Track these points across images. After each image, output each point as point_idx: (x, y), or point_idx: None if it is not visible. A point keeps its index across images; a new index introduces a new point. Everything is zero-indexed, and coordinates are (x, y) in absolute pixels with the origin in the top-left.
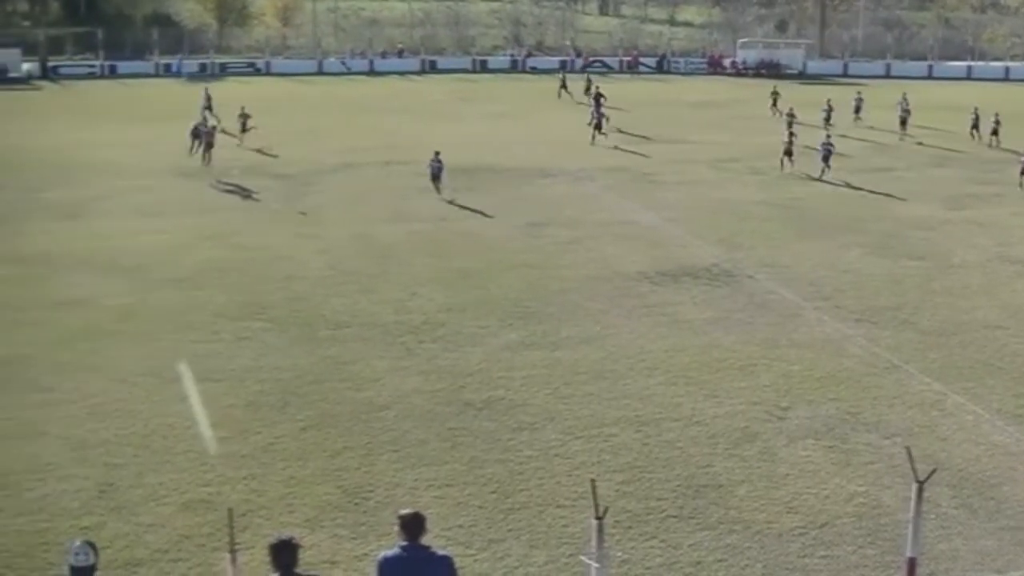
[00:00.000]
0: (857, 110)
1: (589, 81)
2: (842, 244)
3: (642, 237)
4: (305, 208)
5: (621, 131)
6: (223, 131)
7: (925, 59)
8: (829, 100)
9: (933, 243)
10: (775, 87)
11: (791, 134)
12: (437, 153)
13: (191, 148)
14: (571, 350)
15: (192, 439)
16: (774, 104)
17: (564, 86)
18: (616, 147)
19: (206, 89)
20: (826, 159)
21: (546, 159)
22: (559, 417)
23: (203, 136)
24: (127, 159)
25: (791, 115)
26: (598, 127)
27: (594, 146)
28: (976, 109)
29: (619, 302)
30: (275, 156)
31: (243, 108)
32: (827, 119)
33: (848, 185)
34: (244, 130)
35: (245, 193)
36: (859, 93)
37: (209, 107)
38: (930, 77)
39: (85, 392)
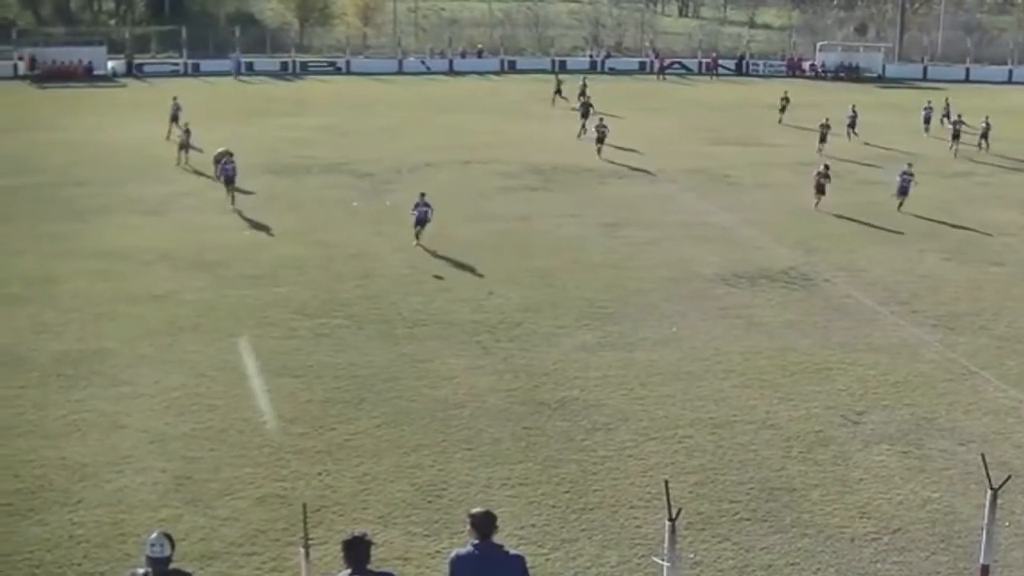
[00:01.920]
0: (927, 120)
1: (585, 85)
2: (919, 249)
3: (719, 239)
4: (385, 206)
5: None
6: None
7: (1005, 63)
8: (929, 101)
9: (1013, 249)
10: (826, 120)
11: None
12: None
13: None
14: (647, 351)
15: (267, 434)
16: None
17: (559, 91)
18: (611, 161)
19: (175, 99)
20: (904, 191)
21: (625, 159)
22: (634, 418)
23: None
24: (209, 156)
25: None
26: (599, 140)
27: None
28: None
29: (695, 304)
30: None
31: (186, 124)
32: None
33: (928, 189)
34: (185, 147)
35: (325, 191)
36: (929, 103)
37: (175, 117)
38: (1010, 82)
39: (164, 386)
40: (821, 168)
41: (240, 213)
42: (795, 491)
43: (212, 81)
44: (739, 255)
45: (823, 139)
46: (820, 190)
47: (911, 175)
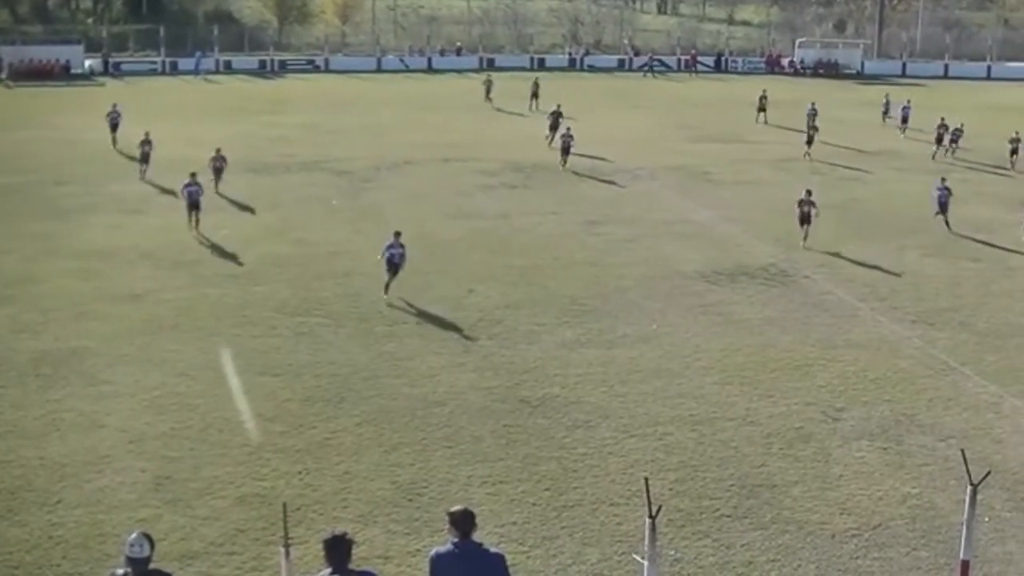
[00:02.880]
0: (904, 119)
1: (537, 85)
2: (900, 245)
3: (700, 236)
4: (364, 204)
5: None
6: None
7: (984, 60)
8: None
9: (993, 245)
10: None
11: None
12: None
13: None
14: (627, 348)
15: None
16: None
17: (536, 94)
18: (594, 157)
19: (115, 106)
20: (944, 207)
21: (603, 157)
22: (614, 415)
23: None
24: (189, 155)
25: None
26: (564, 151)
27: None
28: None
29: (676, 301)
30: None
31: (147, 134)
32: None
33: (908, 186)
34: (145, 160)
35: (304, 189)
36: (887, 96)
37: (116, 125)
38: (989, 78)
39: (144, 385)
40: (803, 195)
41: (203, 237)
42: (775, 487)
43: (190, 80)
44: (719, 252)
45: (810, 141)
46: (805, 219)
47: (948, 189)
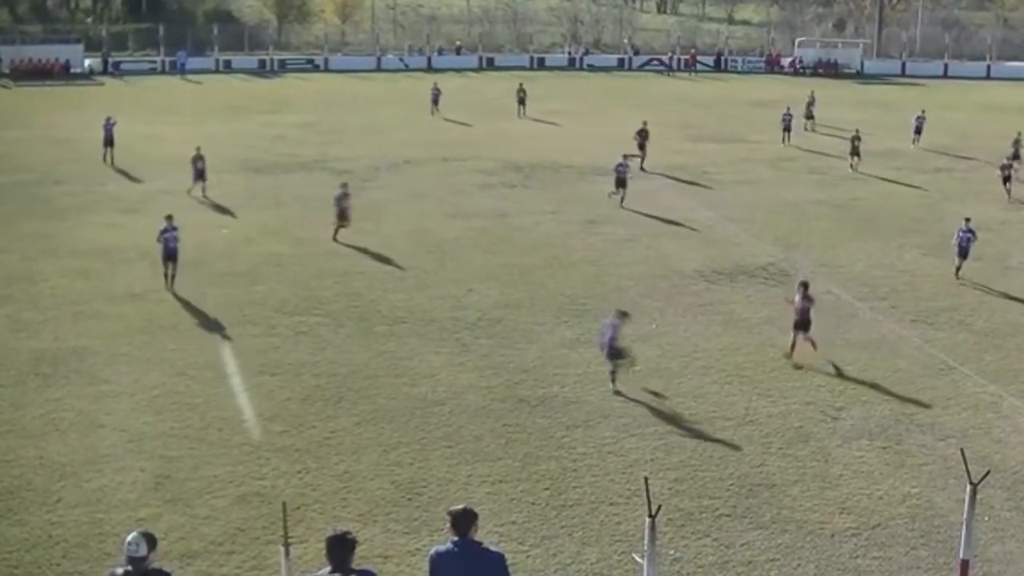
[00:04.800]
0: (918, 131)
1: (523, 91)
2: (899, 244)
3: (699, 235)
4: (364, 204)
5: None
6: None
7: (983, 59)
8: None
9: (991, 244)
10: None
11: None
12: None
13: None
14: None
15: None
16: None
17: (522, 101)
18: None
19: (109, 118)
20: (964, 252)
21: (604, 156)
22: (613, 415)
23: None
24: (189, 154)
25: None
26: None
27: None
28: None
29: (675, 300)
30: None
31: (199, 149)
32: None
33: (908, 185)
34: (201, 176)
35: (304, 189)
36: (923, 112)
37: (111, 140)
38: (988, 77)
39: (143, 384)
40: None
41: (175, 295)
42: (775, 487)
43: (190, 79)
44: (718, 251)
45: (855, 152)
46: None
47: (972, 232)
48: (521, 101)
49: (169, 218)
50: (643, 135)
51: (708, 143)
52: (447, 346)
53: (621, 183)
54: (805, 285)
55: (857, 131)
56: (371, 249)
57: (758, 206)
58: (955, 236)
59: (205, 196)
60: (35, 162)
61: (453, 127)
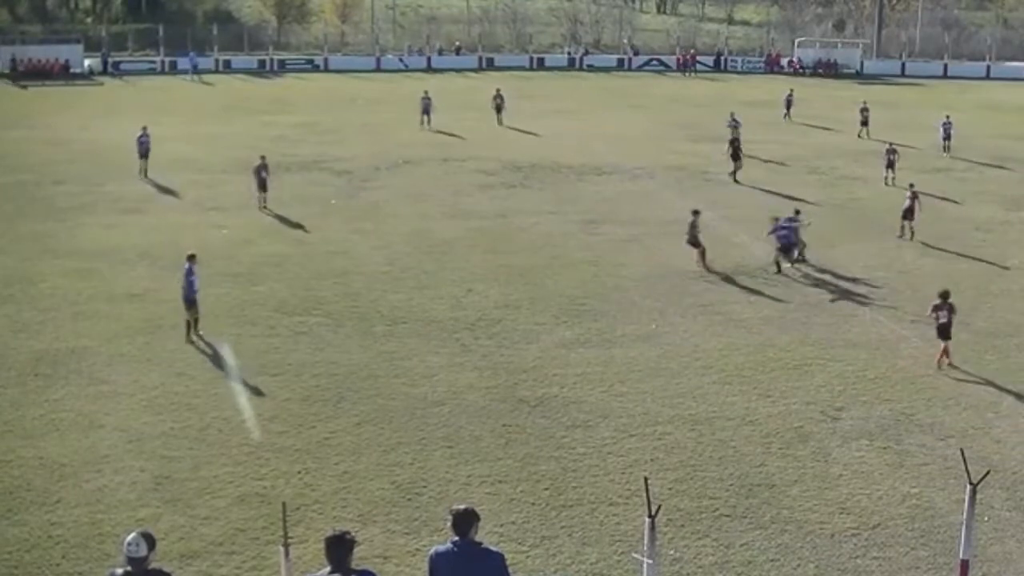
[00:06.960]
0: (947, 136)
1: (500, 98)
2: (898, 244)
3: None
4: (364, 204)
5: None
6: None
7: (983, 59)
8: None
9: (991, 244)
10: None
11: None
12: None
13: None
14: (626, 348)
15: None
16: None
17: (499, 108)
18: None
19: (145, 128)
20: (787, 249)
21: (603, 156)
22: (613, 415)
23: None
24: (189, 154)
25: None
26: None
27: None
28: None
29: (675, 300)
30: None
31: (263, 158)
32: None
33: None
34: (263, 187)
35: (304, 189)
36: (948, 117)
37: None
38: (988, 78)
39: (143, 385)
40: (782, 221)
41: (204, 342)
42: (775, 487)
43: (190, 79)
44: (718, 251)
45: (891, 166)
46: (784, 251)
47: (793, 223)
48: (498, 108)
49: (191, 258)
50: (735, 144)
51: (707, 143)
52: (447, 346)
53: (786, 249)
54: (943, 296)
55: (891, 144)
56: (371, 249)
57: (757, 206)
58: (771, 229)
59: (266, 206)
60: (35, 162)
61: (453, 127)
